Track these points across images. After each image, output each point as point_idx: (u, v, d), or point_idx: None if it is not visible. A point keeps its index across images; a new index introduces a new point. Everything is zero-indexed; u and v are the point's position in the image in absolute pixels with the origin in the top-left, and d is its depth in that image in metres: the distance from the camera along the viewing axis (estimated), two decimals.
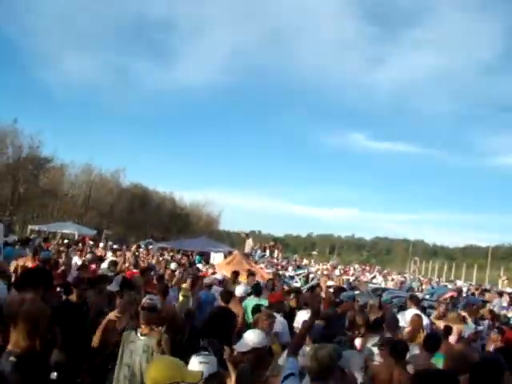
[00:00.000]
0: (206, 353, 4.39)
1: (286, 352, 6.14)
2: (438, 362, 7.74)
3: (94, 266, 13.45)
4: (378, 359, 6.60)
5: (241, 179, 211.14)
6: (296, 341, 5.06)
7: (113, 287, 8.79)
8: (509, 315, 13.82)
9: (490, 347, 9.09)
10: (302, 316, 8.93)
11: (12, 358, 6.03)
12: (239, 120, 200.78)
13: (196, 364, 4.12)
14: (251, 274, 14.47)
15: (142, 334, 5.69)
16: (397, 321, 8.11)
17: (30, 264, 11.17)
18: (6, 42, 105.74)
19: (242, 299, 9.92)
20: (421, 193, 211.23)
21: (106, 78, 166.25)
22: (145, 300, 5.84)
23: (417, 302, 10.80)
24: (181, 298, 10.81)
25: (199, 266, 19.84)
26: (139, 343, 5.57)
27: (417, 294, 24.82)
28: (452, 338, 8.65)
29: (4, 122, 39.02)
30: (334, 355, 3.98)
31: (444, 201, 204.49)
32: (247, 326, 8.66)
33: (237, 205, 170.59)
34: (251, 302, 9.94)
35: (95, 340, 6.22)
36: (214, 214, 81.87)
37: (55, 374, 3.99)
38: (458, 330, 8.86)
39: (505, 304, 17.35)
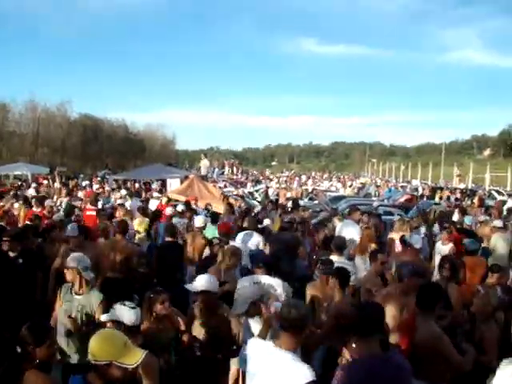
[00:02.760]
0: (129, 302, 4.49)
1: None
2: None
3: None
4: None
5: (192, 96, 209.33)
6: None
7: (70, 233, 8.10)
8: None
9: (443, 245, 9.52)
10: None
11: None
12: (184, 35, 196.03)
13: (126, 311, 4.27)
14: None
15: (76, 294, 5.49)
16: (343, 241, 8.21)
17: None
18: None
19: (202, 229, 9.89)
20: (376, 94, 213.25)
21: (40, 5, 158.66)
22: (68, 260, 5.63)
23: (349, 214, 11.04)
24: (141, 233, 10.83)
25: (155, 194, 19.60)
26: (74, 304, 5.39)
27: (374, 199, 25.45)
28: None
29: None
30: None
31: (399, 101, 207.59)
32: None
33: (192, 123, 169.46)
34: (209, 231, 9.96)
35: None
36: (168, 135, 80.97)
37: None
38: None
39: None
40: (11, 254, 7.10)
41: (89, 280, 5.56)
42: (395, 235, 9.70)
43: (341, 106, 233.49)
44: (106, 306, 5.27)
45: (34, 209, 12.82)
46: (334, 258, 7.28)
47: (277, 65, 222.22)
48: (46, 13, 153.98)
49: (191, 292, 5.44)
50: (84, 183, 25.82)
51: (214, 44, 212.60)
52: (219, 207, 14.50)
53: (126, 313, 4.21)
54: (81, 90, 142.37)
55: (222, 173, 53.57)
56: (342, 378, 3.70)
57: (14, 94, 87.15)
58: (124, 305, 4.26)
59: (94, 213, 12.29)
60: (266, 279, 6.05)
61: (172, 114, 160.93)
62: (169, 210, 11.83)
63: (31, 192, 15.79)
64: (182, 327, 5.15)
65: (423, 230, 11.39)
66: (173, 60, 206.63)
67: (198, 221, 10.17)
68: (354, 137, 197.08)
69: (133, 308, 4.27)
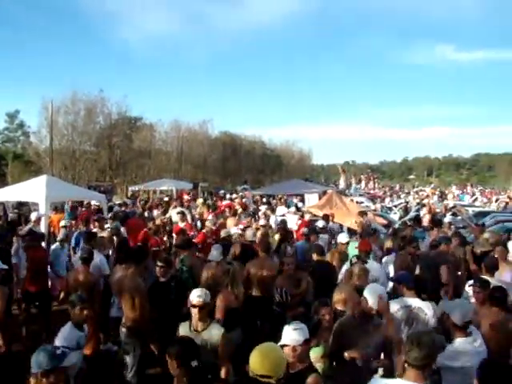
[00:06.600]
0: (298, 321, 4.60)
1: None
2: None
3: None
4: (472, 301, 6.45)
5: (328, 110, 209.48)
6: None
7: (214, 257, 8.15)
8: None
9: None
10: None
11: (124, 329, 6.64)
12: (318, 49, 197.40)
13: (290, 331, 4.35)
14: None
15: (196, 331, 5.43)
16: (496, 261, 7.80)
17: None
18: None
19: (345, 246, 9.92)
20: None
21: (181, 30, 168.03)
22: (194, 297, 5.48)
23: None
24: None
25: (292, 209, 19.56)
26: (198, 339, 5.17)
27: None
28: None
29: (91, 93, 40.30)
30: (437, 343, 3.81)
31: None
32: None
33: (327, 137, 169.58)
34: (351, 247, 9.92)
35: None
36: (304, 150, 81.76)
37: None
38: None
39: None
40: (162, 280, 7.40)
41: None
42: None
43: (482, 116, 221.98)
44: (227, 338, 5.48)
45: (180, 223, 13.47)
46: (486, 278, 6.95)
47: (413, 75, 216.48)
48: (186, 38, 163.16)
49: None
50: (228, 196, 26.82)
51: (348, 57, 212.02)
52: (355, 224, 14.33)
53: (290, 334, 4.35)
54: (221, 108, 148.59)
55: (360, 187, 53.09)
56: None
57: (160, 114, 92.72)
58: (291, 324, 4.47)
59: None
60: (416, 302, 5.92)
61: (307, 128, 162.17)
62: (303, 229, 11.88)
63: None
64: None
65: None
66: (308, 75, 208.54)
67: (342, 237, 10.19)
68: (498, 147, 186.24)
69: (298, 329, 4.39)
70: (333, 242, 12.36)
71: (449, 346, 4.69)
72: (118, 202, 23.46)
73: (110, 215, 14.82)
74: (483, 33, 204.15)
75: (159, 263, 7.41)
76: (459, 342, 4.75)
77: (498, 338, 5.27)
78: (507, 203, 34.97)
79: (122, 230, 12.27)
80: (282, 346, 4.23)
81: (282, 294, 6.75)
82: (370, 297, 5.19)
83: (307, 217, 15.40)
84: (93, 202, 18.88)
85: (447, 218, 19.28)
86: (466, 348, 4.65)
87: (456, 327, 4.81)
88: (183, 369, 4.09)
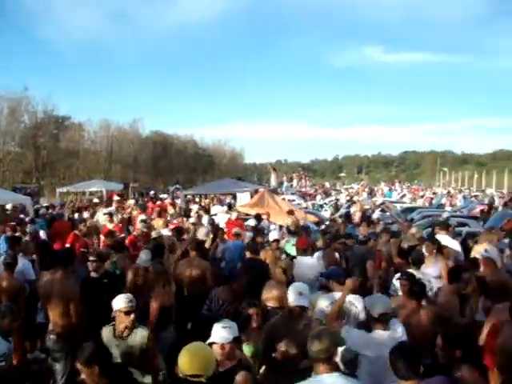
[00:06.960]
0: (227, 319, 4.63)
1: None
2: None
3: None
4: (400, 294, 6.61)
5: (259, 109, 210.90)
6: None
7: (143, 262, 7.92)
8: None
9: None
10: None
11: (53, 336, 6.36)
12: (250, 48, 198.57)
13: (219, 330, 4.34)
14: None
15: (121, 337, 5.20)
16: (422, 256, 8.07)
17: None
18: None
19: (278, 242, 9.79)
20: (445, 102, 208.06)
21: (109, 29, 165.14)
22: (122, 303, 5.20)
23: (446, 228, 10.66)
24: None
25: (224, 208, 19.41)
26: (123, 346, 5.16)
27: (448, 209, 24.72)
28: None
29: (15, 91, 39.21)
30: (337, 341, 4.02)
31: (470, 107, 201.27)
32: None
33: (259, 136, 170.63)
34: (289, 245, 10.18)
35: None
36: (236, 149, 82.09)
37: None
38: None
39: None
40: (94, 275, 7.20)
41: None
42: (480, 247, 9.04)
43: (409, 115, 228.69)
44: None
45: (108, 225, 13.15)
46: (412, 271, 7.14)
47: (342, 75, 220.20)
48: (113, 37, 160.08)
49: None
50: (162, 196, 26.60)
51: (280, 56, 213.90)
52: (286, 222, 14.30)
53: (219, 332, 4.33)
54: (152, 108, 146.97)
55: (291, 185, 53.60)
56: None
57: (89, 114, 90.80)
58: (220, 322, 4.45)
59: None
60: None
61: (239, 127, 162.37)
62: (235, 230, 11.74)
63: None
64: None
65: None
66: (240, 74, 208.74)
67: (273, 235, 10.13)
68: (424, 146, 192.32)
69: (227, 327, 4.38)
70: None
71: (365, 335, 4.93)
72: (45, 205, 22.75)
73: (27, 219, 14.35)
74: (410, 35, 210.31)
75: (91, 257, 7.22)
76: (375, 332, 4.94)
77: (417, 330, 5.50)
78: (432, 199, 36.24)
79: (42, 233, 11.96)
80: (211, 344, 4.23)
81: (219, 306, 6.67)
82: (291, 294, 5.26)
83: (234, 215, 15.10)
84: (8, 206, 18.03)
85: (376, 214, 19.78)
86: (382, 339, 4.83)
87: (374, 319, 5.01)
88: (105, 372, 3.96)
